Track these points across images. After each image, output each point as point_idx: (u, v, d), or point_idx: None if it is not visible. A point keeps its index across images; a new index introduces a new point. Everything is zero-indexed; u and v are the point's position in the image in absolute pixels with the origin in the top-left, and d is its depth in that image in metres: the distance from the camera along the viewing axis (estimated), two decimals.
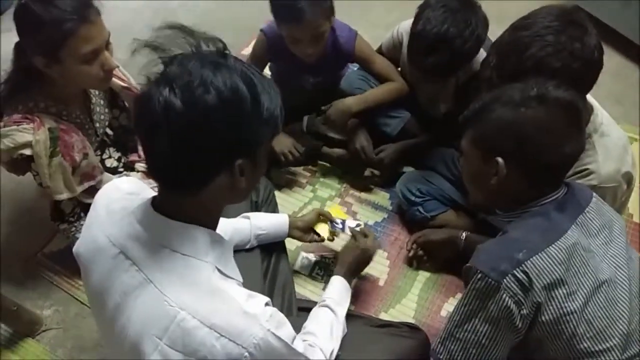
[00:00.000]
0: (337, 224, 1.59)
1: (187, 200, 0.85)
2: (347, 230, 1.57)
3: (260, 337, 0.80)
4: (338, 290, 1.31)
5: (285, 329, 0.86)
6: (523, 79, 1.07)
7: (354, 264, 1.43)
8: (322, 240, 1.57)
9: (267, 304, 0.85)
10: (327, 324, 1.19)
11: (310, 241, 1.56)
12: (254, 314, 0.81)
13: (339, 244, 1.78)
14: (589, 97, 1.26)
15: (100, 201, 0.97)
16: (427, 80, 1.68)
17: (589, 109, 1.27)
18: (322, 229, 1.57)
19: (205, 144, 0.77)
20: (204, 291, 0.82)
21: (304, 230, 1.53)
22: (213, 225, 0.91)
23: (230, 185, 0.83)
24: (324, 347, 1.10)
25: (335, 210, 1.62)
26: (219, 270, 0.85)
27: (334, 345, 1.15)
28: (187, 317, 0.79)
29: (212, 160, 0.80)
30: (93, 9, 1.34)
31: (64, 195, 1.46)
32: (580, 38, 1.12)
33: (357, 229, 1.56)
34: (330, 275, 1.69)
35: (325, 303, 1.25)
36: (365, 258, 1.47)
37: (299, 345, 0.91)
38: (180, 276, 0.83)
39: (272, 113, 0.83)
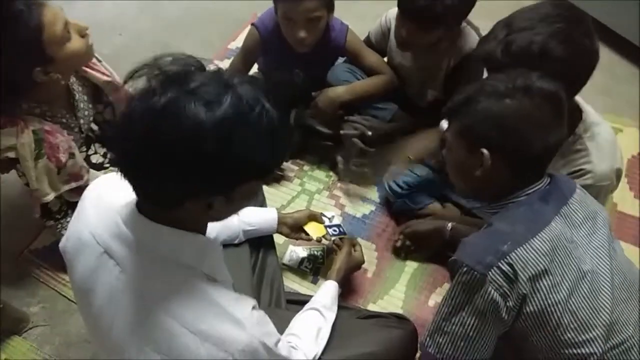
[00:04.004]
0: (335, 231, 1.59)
1: (163, 211, 0.82)
2: (335, 232, 1.59)
3: (246, 344, 0.79)
4: (331, 296, 1.31)
5: (271, 335, 0.86)
6: (526, 62, 1.07)
7: (347, 272, 1.50)
8: (310, 240, 1.58)
9: (254, 307, 0.85)
10: (314, 328, 1.19)
11: (297, 239, 1.57)
12: (240, 319, 0.81)
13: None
14: (577, 98, 1.27)
15: (88, 197, 0.96)
16: (411, 38, 1.63)
17: (578, 110, 1.28)
18: (312, 230, 1.56)
19: (158, 172, 0.73)
20: (189, 296, 0.81)
21: (292, 228, 1.54)
22: (199, 230, 0.88)
23: (199, 212, 0.80)
24: (307, 350, 1.10)
25: (314, 227, 1.59)
26: (206, 274, 0.84)
27: (318, 349, 1.15)
28: (171, 324, 0.79)
29: (168, 189, 0.76)
30: None
31: (50, 197, 1.45)
32: (591, 36, 1.13)
33: (335, 232, 1.59)
34: (318, 268, 1.72)
35: (317, 307, 1.25)
36: (356, 267, 1.55)
37: (283, 348, 0.91)
38: (165, 281, 0.82)
39: (252, 161, 0.75)
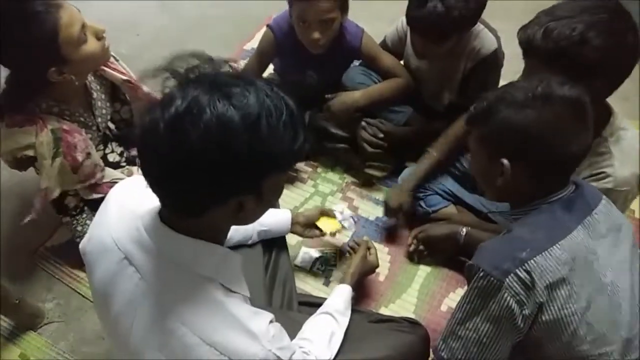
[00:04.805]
0: (350, 223, 1.64)
1: (187, 220, 0.81)
2: (350, 224, 1.63)
3: (261, 358, 0.79)
4: (344, 300, 1.31)
5: (286, 349, 0.85)
6: (566, 49, 1.08)
7: (362, 276, 1.49)
8: (324, 235, 1.58)
9: (271, 321, 0.85)
10: (327, 333, 1.18)
11: (311, 236, 1.57)
12: (256, 333, 0.80)
13: (338, 237, 1.79)
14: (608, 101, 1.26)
15: (112, 200, 0.95)
16: (426, 50, 1.64)
17: (607, 112, 1.26)
18: (325, 225, 1.56)
19: (188, 177, 0.72)
20: (207, 308, 0.81)
21: (305, 225, 1.54)
22: (220, 240, 0.88)
23: (229, 216, 0.79)
24: (319, 355, 1.10)
25: (327, 221, 1.59)
26: (224, 286, 0.84)
27: (331, 354, 1.14)
28: (187, 334, 0.79)
29: (197, 195, 0.75)
30: None
31: (57, 192, 1.46)
32: (633, 31, 1.12)
33: (346, 222, 1.62)
34: (330, 271, 1.72)
35: (330, 311, 1.24)
36: (370, 271, 1.55)
37: (297, 358, 0.91)
38: (183, 291, 0.82)
39: (279, 151, 0.75)
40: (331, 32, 1.71)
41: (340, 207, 1.67)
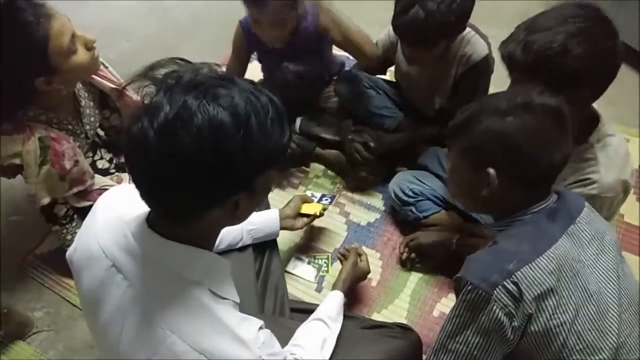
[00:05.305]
0: (327, 200, 1.73)
1: (178, 226, 0.81)
2: (327, 200, 1.74)
3: None
4: (337, 306, 1.30)
5: (276, 355, 0.85)
6: (547, 61, 1.08)
7: (353, 282, 1.50)
8: (314, 217, 1.60)
9: (261, 328, 0.84)
10: (319, 339, 1.18)
11: (302, 226, 1.58)
12: (245, 340, 0.80)
13: (330, 243, 1.80)
14: (595, 106, 1.26)
15: (99, 208, 0.95)
16: (414, 56, 1.65)
17: (594, 118, 1.27)
18: (310, 209, 1.59)
19: (184, 183, 0.72)
20: (195, 314, 0.81)
21: (293, 217, 1.54)
22: (209, 246, 0.88)
23: (224, 216, 0.80)
24: None
25: (310, 206, 1.62)
26: (213, 292, 0.84)
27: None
28: (176, 341, 0.79)
29: (193, 199, 0.75)
30: (41, 4, 1.30)
31: (46, 200, 1.46)
32: (613, 37, 1.12)
33: (327, 201, 1.74)
34: (322, 276, 1.72)
35: (322, 317, 1.24)
36: (362, 277, 1.55)
37: None
38: (172, 298, 0.81)
39: (270, 147, 0.76)
40: (286, 28, 1.70)
41: (309, 193, 1.81)
